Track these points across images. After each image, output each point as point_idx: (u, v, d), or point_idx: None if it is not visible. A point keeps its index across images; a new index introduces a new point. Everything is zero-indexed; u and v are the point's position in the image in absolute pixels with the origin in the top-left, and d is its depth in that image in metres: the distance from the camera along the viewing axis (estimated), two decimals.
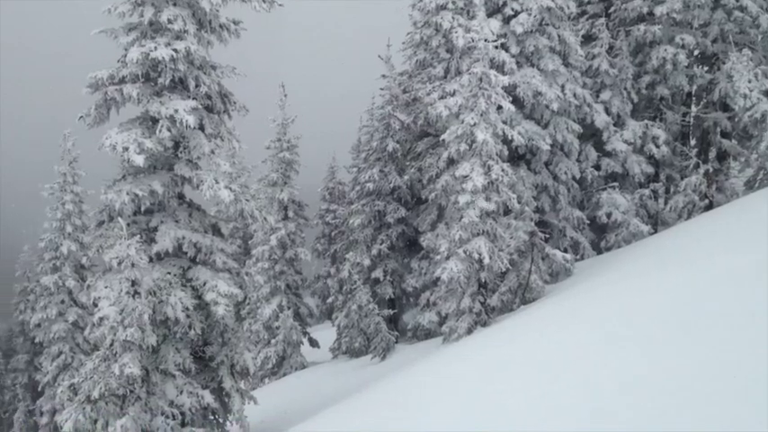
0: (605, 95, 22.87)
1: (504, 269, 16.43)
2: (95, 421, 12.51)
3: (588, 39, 23.91)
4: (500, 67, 19.96)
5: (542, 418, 7.07)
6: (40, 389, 28.99)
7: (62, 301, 27.69)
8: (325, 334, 29.71)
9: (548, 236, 19.23)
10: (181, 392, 13.31)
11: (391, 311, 24.19)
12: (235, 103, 15.49)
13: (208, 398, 13.57)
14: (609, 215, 21.16)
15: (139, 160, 13.47)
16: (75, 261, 28.08)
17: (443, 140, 17.67)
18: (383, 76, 25.07)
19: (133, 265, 12.67)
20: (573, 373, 8.11)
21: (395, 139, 24.67)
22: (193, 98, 14.37)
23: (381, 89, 25.17)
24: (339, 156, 37.80)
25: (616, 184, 22.07)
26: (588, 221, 21.65)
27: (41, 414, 27.62)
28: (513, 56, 20.87)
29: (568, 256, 18.24)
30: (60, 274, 27.57)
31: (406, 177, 24.35)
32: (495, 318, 16.84)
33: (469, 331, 16.34)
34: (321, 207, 38.02)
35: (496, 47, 18.83)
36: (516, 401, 7.96)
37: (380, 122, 25.16)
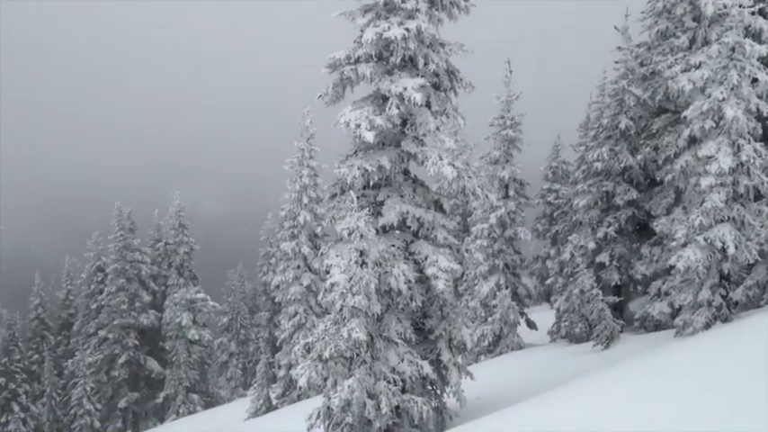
0: None
1: (751, 261, 14.78)
2: (326, 379, 13.48)
3: None
4: (756, 36, 17.79)
5: None
6: (278, 344, 32.03)
7: (298, 267, 30.16)
8: (543, 316, 29.08)
9: None
10: (402, 360, 13.81)
11: (616, 299, 22.90)
12: (461, 80, 15.52)
13: (427, 368, 13.93)
14: None
15: (370, 137, 14.08)
16: (310, 230, 30.37)
17: (685, 117, 16.29)
18: (618, 48, 23.49)
19: (362, 236, 13.32)
20: None
21: (628, 115, 23.11)
22: (422, 76, 14.64)
23: (616, 62, 23.62)
24: (564, 134, 36.50)
25: None
26: None
27: (279, 367, 30.48)
28: None
29: None
30: (297, 241, 30.00)
31: (639, 157, 22.76)
32: (739, 314, 15.19)
33: (707, 326, 14.95)
34: (543, 186, 37.12)
35: (753, 12, 16.75)
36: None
37: (613, 98, 23.70)
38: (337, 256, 13.99)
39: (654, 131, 21.86)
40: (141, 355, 41.40)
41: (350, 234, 13.42)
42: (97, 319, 42.35)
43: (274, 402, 28.33)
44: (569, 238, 24.59)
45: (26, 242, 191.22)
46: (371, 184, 14.88)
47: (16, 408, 41.86)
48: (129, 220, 42.47)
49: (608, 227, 23.31)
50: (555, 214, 32.70)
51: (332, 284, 13.55)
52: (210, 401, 40.90)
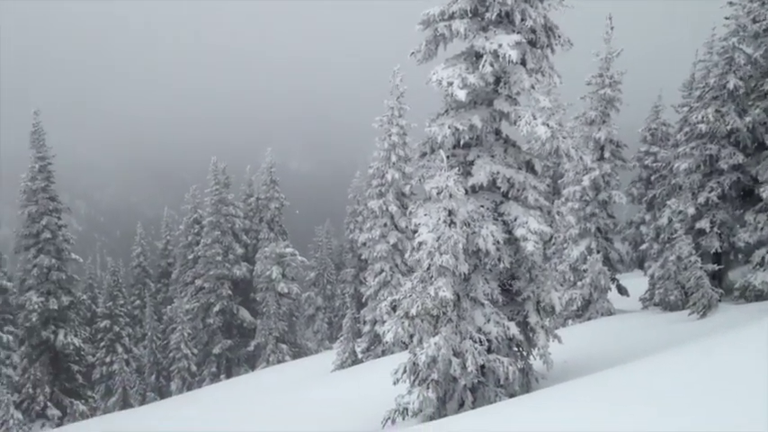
0: None
1: None
2: (411, 336, 13.64)
3: None
4: None
5: None
6: (363, 300, 32.65)
7: (385, 225, 30.44)
8: (635, 282, 28.24)
9: None
10: (488, 321, 13.77)
11: (716, 267, 21.86)
12: (559, 36, 14.90)
13: (513, 329, 13.84)
14: None
15: (462, 95, 13.83)
16: (398, 189, 30.51)
17: None
18: (729, 3, 21.94)
19: (451, 195, 13.25)
20: None
21: (737, 75, 21.68)
22: (517, 32, 14.18)
23: (726, 18, 22.11)
24: (666, 94, 34.76)
25: None
26: None
27: (364, 323, 31.12)
28: None
29: None
30: (385, 199, 30.20)
31: (747, 119, 21.39)
32: None
33: None
34: (640, 149, 35.71)
35: None
36: None
37: (721, 57, 22.26)
38: (426, 215, 13.97)
39: (765, 92, 20.54)
40: (234, 304, 43.22)
41: (439, 193, 13.36)
42: (194, 269, 44.44)
43: (359, 356, 29.01)
44: (667, 202, 23.60)
45: (126, 195, 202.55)
46: (462, 143, 14.69)
47: (120, 349, 44.84)
48: (225, 174, 43.92)
49: (710, 192, 22.19)
50: (652, 178, 31.45)
51: (420, 243, 13.58)
52: (298, 352, 42.35)
